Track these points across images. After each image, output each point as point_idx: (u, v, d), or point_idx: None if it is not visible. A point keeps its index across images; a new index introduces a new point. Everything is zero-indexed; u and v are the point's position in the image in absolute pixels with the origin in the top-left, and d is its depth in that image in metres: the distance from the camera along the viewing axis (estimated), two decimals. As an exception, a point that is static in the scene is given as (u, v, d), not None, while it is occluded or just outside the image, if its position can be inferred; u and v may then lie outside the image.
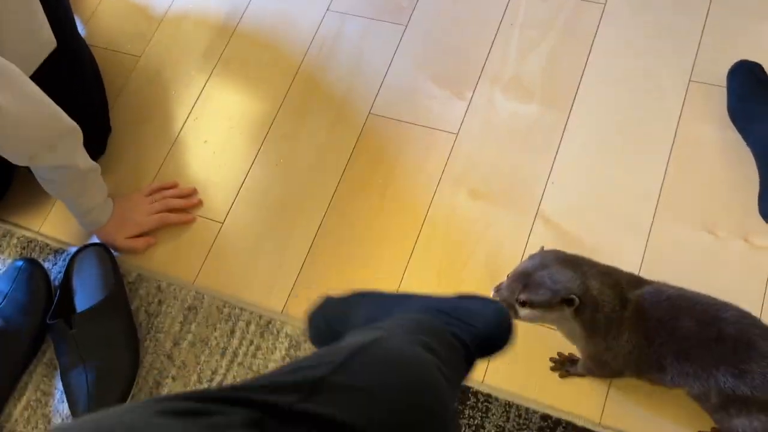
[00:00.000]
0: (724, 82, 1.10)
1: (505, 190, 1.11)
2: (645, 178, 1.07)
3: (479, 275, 1.06)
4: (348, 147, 1.19)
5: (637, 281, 0.84)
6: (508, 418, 0.96)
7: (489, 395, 0.98)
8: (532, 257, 0.82)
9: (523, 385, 0.98)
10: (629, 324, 0.81)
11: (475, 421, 0.96)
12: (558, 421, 0.95)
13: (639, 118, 1.12)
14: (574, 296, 0.77)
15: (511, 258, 1.06)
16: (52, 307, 1.07)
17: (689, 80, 1.12)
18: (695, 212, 1.04)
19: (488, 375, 1.00)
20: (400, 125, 1.19)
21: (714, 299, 0.81)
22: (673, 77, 1.13)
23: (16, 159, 0.95)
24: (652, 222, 1.04)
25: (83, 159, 1.02)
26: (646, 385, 0.94)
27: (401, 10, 1.28)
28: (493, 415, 0.97)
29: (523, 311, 0.80)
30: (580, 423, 0.94)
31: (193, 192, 1.19)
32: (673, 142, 1.09)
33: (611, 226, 1.05)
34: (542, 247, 0.85)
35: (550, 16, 1.22)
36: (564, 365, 0.98)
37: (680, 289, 0.84)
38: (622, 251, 1.03)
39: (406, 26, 1.27)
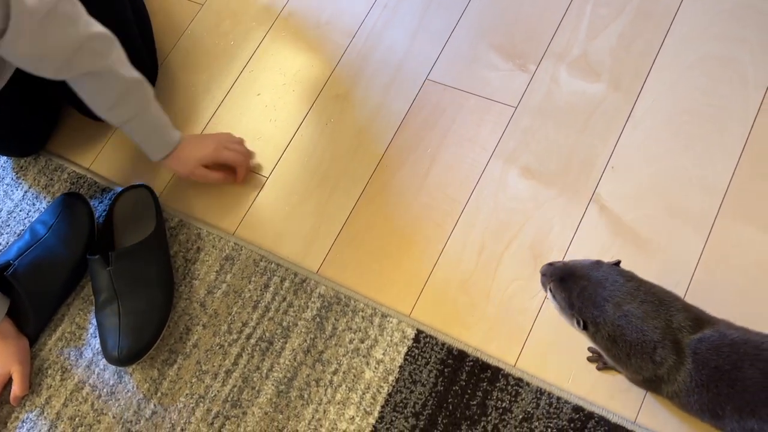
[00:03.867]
0: (812, 76, 1.02)
1: (560, 171, 1.06)
2: (713, 172, 1.01)
3: (522, 258, 1.01)
4: (401, 112, 1.15)
5: (696, 321, 0.78)
6: (538, 405, 0.92)
7: (520, 379, 0.94)
8: (596, 264, 0.81)
9: (557, 373, 0.94)
10: (678, 368, 0.76)
11: (503, 404, 0.93)
12: (590, 415, 0.90)
13: (713, 108, 1.04)
14: (583, 322, 0.79)
15: (559, 244, 1.01)
16: (93, 243, 1.09)
17: (773, 71, 1.04)
18: (764, 213, 0.96)
19: (521, 359, 0.96)
20: (456, 93, 1.15)
21: None
22: (756, 67, 1.05)
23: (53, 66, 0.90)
24: (715, 219, 0.98)
25: (127, 69, 0.98)
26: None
27: (470, -24, 1.23)
28: (522, 400, 0.93)
29: (549, 295, 0.84)
30: (614, 420, 0.90)
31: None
32: (748, 136, 1.01)
33: (670, 219, 0.99)
34: (618, 262, 0.83)
35: (627, -7, 1.15)
36: (602, 357, 0.93)
37: (745, 331, 0.77)
38: (679, 246, 0.97)
39: (474, -7, 1.22)
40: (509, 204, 1.05)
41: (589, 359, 0.94)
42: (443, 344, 0.98)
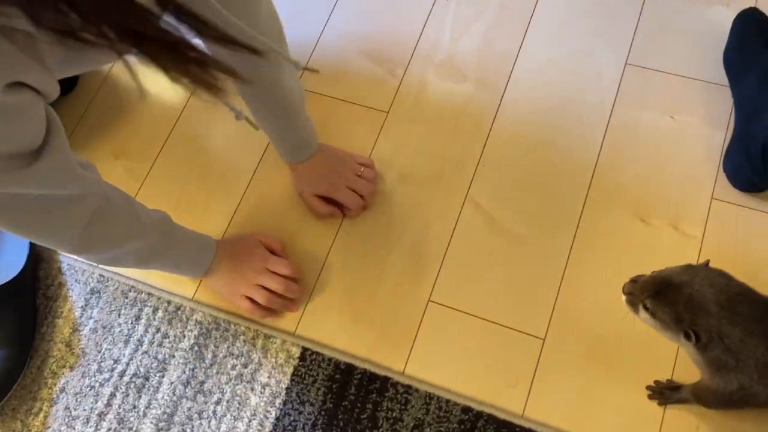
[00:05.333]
0: (660, 66, 1.08)
1: (435, 174, 1.06)
2: (577, 164, 1.04)
3: (404, 262, 1.00)
4: (271, 124, 1.12)
5: None
6: (428, 410, 0.91)
7: (409, 386, 0.93)
8: (690, 268, 0.73)
9: (445, 375, 0.94)
10: None
11: (394, 414, 0.91)
12: (479, 414, 0.90)
13: (574, 101, 1.08)
14: (694, 333, 0.70)
15: (438, 245, 1.01)
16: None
17: (625, 63, 1.09)
18: (628, 200, 1.00)
19: (409, 365, 0.95)
20: (327, 101, 1.13)
21: None
22: (609, 59, 1.10)
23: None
24: (582, 209, 1.01)
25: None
26: (572, 380, 0.91)
27: (333, -19, 1.22)
28: (412, 407, 0.92)
29: (643, 314, 0.74)
30: (501, 416, 0.90)
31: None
32: (607, 127, 1.05)
33: (541, 212, 1.01)
34: (707, 262, 0.74)
35: (487, -7, 1.18)
36: (663, 394, 0.88)
37: None
38: (550, 242, 0.99)
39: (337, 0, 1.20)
40: (388, 209, 1.04)
41: (650, 397, 0.89)
42: (330, 359, 0.95)
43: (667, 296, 0.71)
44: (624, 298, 0.76)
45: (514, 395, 0.92)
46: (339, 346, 0.96)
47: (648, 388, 0.90)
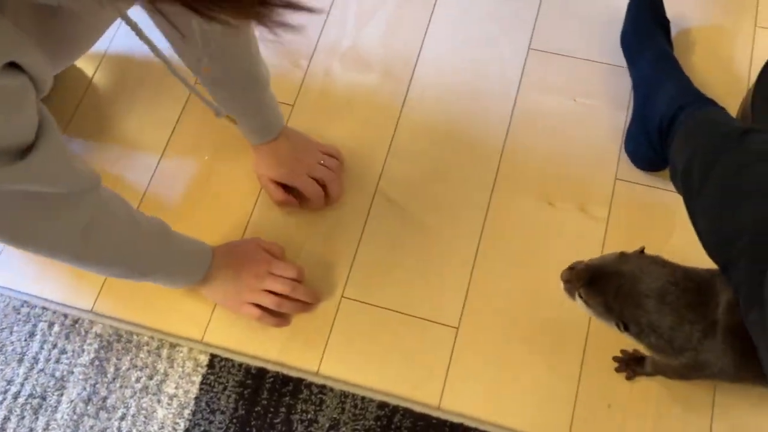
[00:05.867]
0: (562, 50, 1.08)
1: (345, 167, 1.03)
2: (485, 150, 1.03)
3: (315, 259, 0.98)
4: (172, 120, 1.07)
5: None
6: (344, 409, 0.89)
7: (324, 386, 0.90)
8: (623, 257, 0.72)
9: (360, 372, 0.92)
10: (721, 340, 0.69)
11: (309, 416, 0.89)
12: (395, 409, 0.89)
13: (479, 88, 1.07)
14: (624, 325, 0.70)
15: (350, 240, 0.98)
16: None
17: (528, 48, 1.09)
18: (535, 185, 1.01)
19: (323, 364, 0.92)
20: (229, 97, 1.08)
21: None
22: (512, 45, 1.10)
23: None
24: (491, 196, 1.00)
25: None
26: (487, 367, 0.90)
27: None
28: (327, 407, 0.89)
29: (579, 302, 0.74)
30: (418, 409, 0.89)
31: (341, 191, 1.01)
32: (512, 113, 1.05)
33: (450, 201, 1.00)
34: (642, 249, 0.74)
35: (390, -19, 1.16)
36: (630, 365, 0.88)
37: None
38: (461, 231, 0.98)
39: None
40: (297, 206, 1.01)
41: (617, 369, 0.89)
42: (240, 365, 0.92)
43: (599, 286, 0.71)
44: (562, 285, 0.76)
45: (430, 387, 0.91)
46: (249, 350, 0.93)
47: (614, 359, 0.89)
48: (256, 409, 0.89)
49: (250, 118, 0.92)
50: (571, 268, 0.75)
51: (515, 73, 1.08)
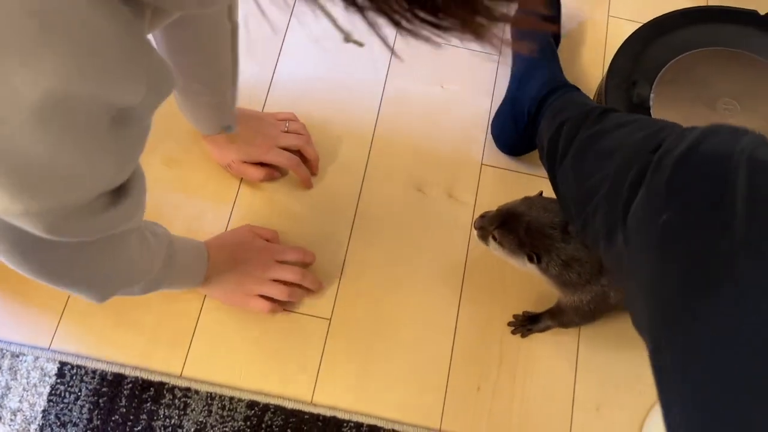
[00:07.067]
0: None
1: (206, 155, 0.98)
2: (355, 139, 1.01)
3: (177, 253, 0.92)
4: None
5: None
6: (210, 411, 0.85)
7: (188, 389, 0.85)
8: (527, 199, 0.81)
9: (227, 372, 0.87)
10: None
11: (173, 421, 0.84)
12: (266, 407, 0.85)
13: (348, 75, 1.05)
14: (535, 254, 0.77)
15: (216, 232, 0.94)
16: None
17: (396, 34, 1.08)
18: (404, 172, 1.00)
19: (187, 366, 0.87)
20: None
21: None
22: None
23: None
24: (362, 185, 0.99)
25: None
26: (359, 357, 0.89)
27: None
28: (193, 411, 0.85)
29: (493, 245, 0.81)
30: (289, 405, 0.86)
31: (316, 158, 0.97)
32: (381, 101, 1.04)
33: (321, 191, 0.98)
34: (541, 192, 0.82)
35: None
36: (524, 325, 0.92)
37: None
38: (332, 220, 0.96)
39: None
40: (158, 196, 0.95)
41: (513, 332, 0.92)
42: (95, 372, 0.85)
43: (510, 225, 0.79)
44: (476, 233, 0.82)
45: (302, 382, 0.88)
46: (104, 355, 0.86)
47: (509, 324, 0.92)
48: (113, 419, 0.83)
49: (222, 103, 0.86)
50: (482, 217, 0.81)
51: (383, 60, 1.07)
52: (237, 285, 0.86)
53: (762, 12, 0.99)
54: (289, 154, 0.94)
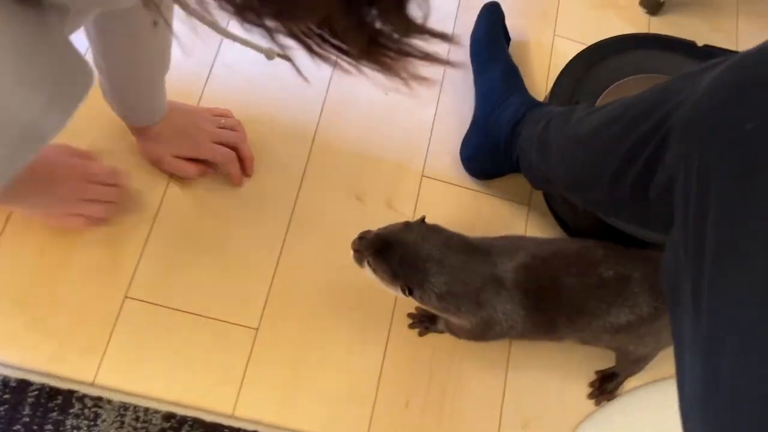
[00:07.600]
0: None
1: (131, 147, 0.92)
2: (293, 145, 0.98)
3: (95, 254, 0.86)
4: None
5: (508, 253, 0.79)
6: (123, 423, 0.80)
7: (100, 398, 0.80)
8: (407, 226, 0.77)
9: (145, 381, 0.82)
10: (506, 302, 0.77)
11: (81, 433, 0.78)
12: (183, 420, 0.81)
13: (289, 79, 1.01)
14: (408, 288, 0.75)
15: (138, 234, 0.88)
16: None
17: (342, 38, 1.06)
18: (344, 179, 0.97)
19: (101, 373, 0.82)
20: None
21: (581, 243, 0.83)
22: (326, 33, 1.06)
23: None
24: (299, 191, 0.96)
25: None
26: (285, 369, 0.86)
27: None
28: (104, 422, 0.79)
29: (367, 270, 0.77)
30: (209, 419, 0.82)
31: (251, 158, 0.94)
32: (322, 107, 1.01)
33: (256, 195, 0.94)
34: (423, 218, 0.78)
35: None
36: (423, 322, 0.90)
37: (550, 242, 0.86)
38: (266, 226, 0.93)
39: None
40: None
41: (410, 326, 0.91)
42: (-4, 377, 0.78)
43: (385, 254, 0.75)
44: (352, 254, 0.77)
45: (224, 393, 0.84)
46: (9, 359, 0.80)
47: (409, 315, 0.91)
48: (14, 428, 0.77)
49: (152, 94, 0.82)
50: (361, 238, 0.77)
51: (326, 68, 1.04)
52: (51, 207, 0.83)
53: (700, 44, 1.02)
54: (224, 149, 0.91)
